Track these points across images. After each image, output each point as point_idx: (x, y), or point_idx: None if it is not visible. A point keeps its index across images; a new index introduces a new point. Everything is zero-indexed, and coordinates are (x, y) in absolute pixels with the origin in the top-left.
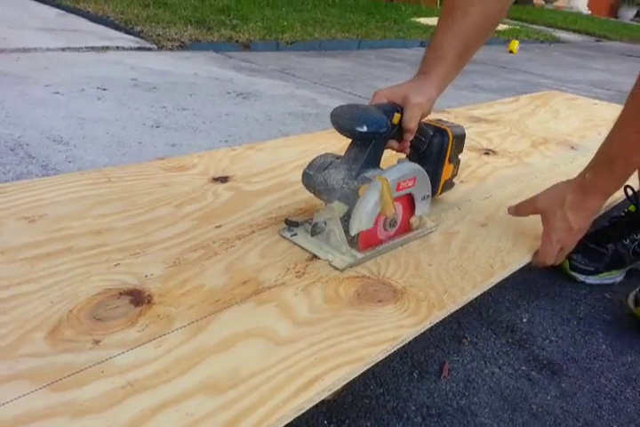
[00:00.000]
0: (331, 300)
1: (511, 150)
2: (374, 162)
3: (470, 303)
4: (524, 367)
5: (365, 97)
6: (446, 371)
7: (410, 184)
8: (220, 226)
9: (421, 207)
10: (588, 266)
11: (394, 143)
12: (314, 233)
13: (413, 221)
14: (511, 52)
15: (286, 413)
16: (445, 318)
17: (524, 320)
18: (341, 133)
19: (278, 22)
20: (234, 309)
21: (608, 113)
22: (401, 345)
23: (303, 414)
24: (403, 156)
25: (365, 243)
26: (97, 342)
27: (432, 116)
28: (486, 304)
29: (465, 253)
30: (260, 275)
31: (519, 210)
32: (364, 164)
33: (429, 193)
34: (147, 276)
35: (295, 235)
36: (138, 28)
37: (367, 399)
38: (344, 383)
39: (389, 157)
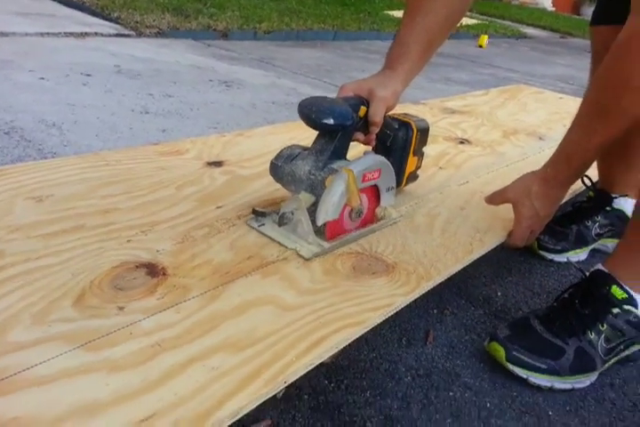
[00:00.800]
0: (329, 272)
1: (484, 140)
2: (341, 153)
3: (450, 279)
4: None
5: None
6: (431, 338)
7: (375, 176)
8: (220, 206)
9: (386, 198)
10: (556, 245)
11: (360, 136)
12: (281, 223)
13: (378, 211)
14: (480, 46)
15: (299, 367)
16: (428, 292)
17: (499, 294)
18: (308, 125)
19: (255, 11)
20: (242, 280)
21: (573, 106)
22: (395, 311)
23: (305, 375)
24: (369, 148)
25: (332, 233)
26: (121, 308)
27: (409, 108)
28: (464, 280)
29: (446, 232)
30: (263, 251)
31: (492, 200)
32: (330, 155)
33: (394, 184)
34: (158, 251)
35: (263, 225)
36: (115, 15)
37: (362, 363)
38: (347, 343)
39: (356, 149)
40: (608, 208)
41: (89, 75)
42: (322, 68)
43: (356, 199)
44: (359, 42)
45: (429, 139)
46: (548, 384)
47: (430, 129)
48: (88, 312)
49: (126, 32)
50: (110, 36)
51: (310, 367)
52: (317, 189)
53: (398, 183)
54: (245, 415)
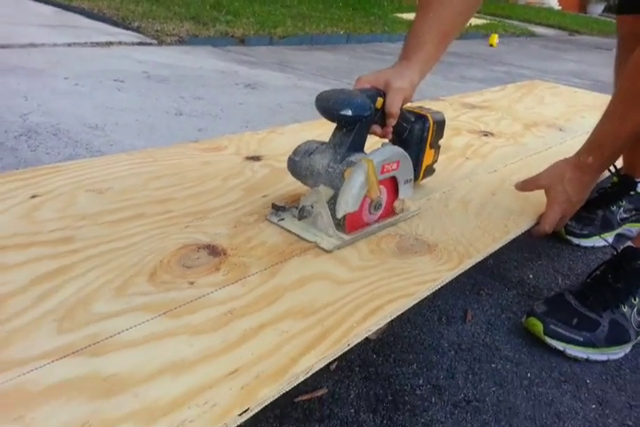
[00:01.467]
0: (376, 251)
1: (506, 132)
2: (359, 146)
3: (483, 263)
4: None
5: None
6: (470, 316)
7: (394, 167)
8: (265, 195)
9: (405, 191)
10: (582, 230)
11: (377, 128)
12: (301, 217)
13: (397, 204)
14: (491, 45)
15: (360, 331)
16: (464, 275)
17: (531, 277)
18: (326, 117)
19: (269, 18)
20: (296, 259)
21: (588, 100)
22: (441, 285)
23: (355, 349)
24: (386, 141)
25: (352, 226)
26: (191, 283)
27: (429, 104)
28: (497, 265)
29: (481, 216)
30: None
31: (525, 186)
32: (348, 148)
33: (412, 177)
34: (216, 234)
35: (282, 219)
36: (135, 24)
37: (406, 339)
38: (399, 313)
39: (373, 143)
40: (632, 193)
41: (121, 81)
42: (340, 70)
43: (375, 190)
44: (372, 44)
45: (454, 132)
46: (585, 356)
47: (453, 123)
48: (162, 287)
49: (148, 40)
50: (134, 44)
51: (369, 333)
52: (336, 182)
53: (415, 177)
54: (302, 384)
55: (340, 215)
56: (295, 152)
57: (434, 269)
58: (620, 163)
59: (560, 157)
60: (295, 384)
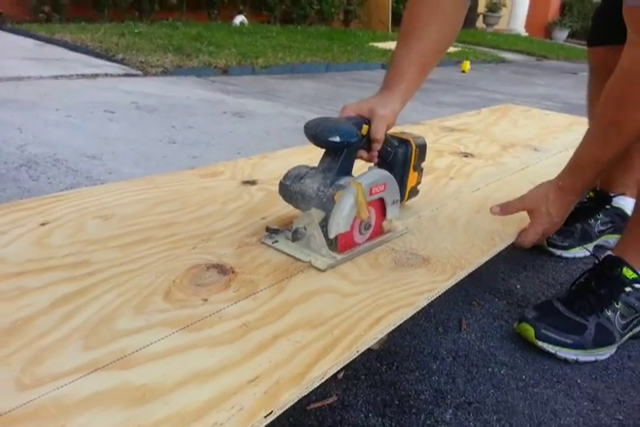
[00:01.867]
0: (375, 266)
1: (485, 153)
2: (347, 170)
3: (473, 276)
4: None
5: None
6: (465, 325)
7: (381, 189)
8: (264, 217)
9: (392, 211)
10: (563, 242)
11: (363, 153)
12: (295, 238)
13: (385, 224)
14: (463, 71)
15: (367, 339)
16: (456, 287)
17: (518, 287)
18: (315, 144)
19: (250, 48)
20: (301, 275)
21: (559, 121)
22: (437, 295)
23: (359, 359)
24: (372, 165)
25: (343, 245)
26: (205, 299)
27: (410, 128)
28: (486, 277)
29: (469, 231)
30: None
31: (507, 209)
32: (337, 172)
33: (398, 198)
34: (222, 254)
35: (277, 242)
36: (119, 56)
37: (406, 348)
38: (401, 322)
39: (360, 167)
40: (608, 206)
41: (111, 111)
42: (321, 97)
43: (364, 212)
44: (350, 72)
45: (436, 154)
46: (574, 357)
47: (435, 146)
48: (178, 304)
49: (134, 72)
50: (119, 75)
51: (375, 341)
52: (327, 205)
53: (401, 198)
54: (313, 393)
55: (332, 236)
56: (286, 177)
57: (430, 280)
58: None
59: (537, 176)
60: (312, 388)
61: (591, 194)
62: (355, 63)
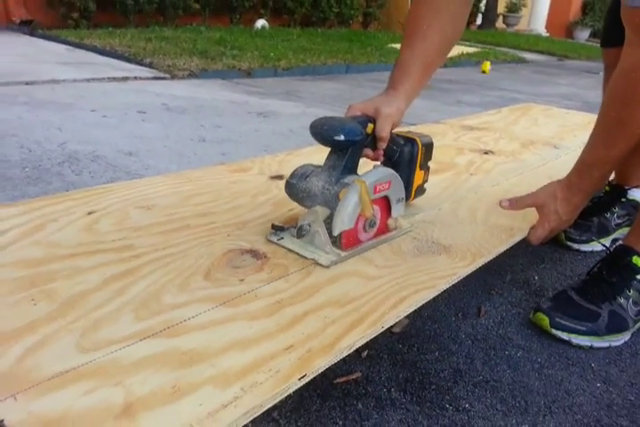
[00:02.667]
0: (397, 253)
1: (505, 150)
2: (352, 169)
3: (491, 267)
4: None
5: None
6: (483, 312)
7: (385, 187)
8: (291, 209)
9: (397, 209)
10: (581, 236)
11: (369, 152)
12: (299, 235)
13: (390, 222)
14: (484, 72)
15: (391, 316)
16: (474, 277)
17: (536, 278)
18: (320, 143)
19: (272, 51)
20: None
21: (579, 119)
22: (458, 279)
23: (381, 340)
24: (378, 164)
25: (348, 243)
26: (241, 280)
27: (431, 127)
28: (504, 268)
29: (488, 223)
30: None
31: (517, 204)
32: (342, 170)
33: (403, 196)
34: (255, 241)
35: (282, 239)
36: (148, 60)
37: (427, 332)
38: (424, 302)
39: (365, 165)
40: (623, 200)
41: (144, 112)
42: (342, 98)
43: (369, 209)
44: (370, 73)
45: (457, 151)
46: (588, 344)
47: (455, 143)
48: (217, 283)
49: (162, 75)
50: (149, 79)
51: (399, 318)
52: (332, 203)
53: (407, 197)
54: (338, 369)
55: (336, 233)
56: (292, 176)
57: (451, 266)
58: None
59: (556, 171)
60: (341, 357)
61: (607, 188)
62: (374, 64)
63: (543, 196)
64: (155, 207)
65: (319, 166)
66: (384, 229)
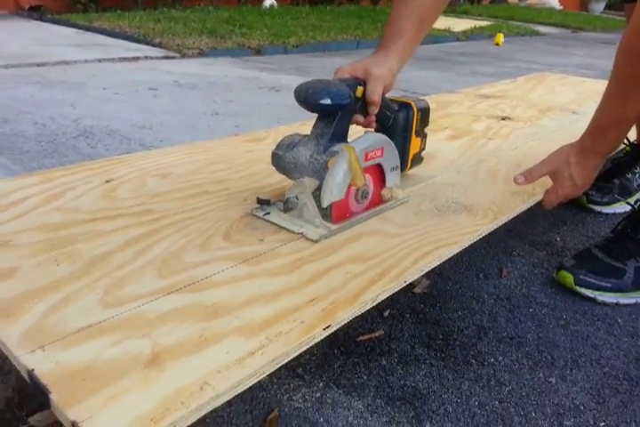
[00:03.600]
0: (417, 212)
1: (523, 116)
2: (341, 136)
3: (512, 229)
4: None
5: None
6: (505, 272)
7: (378, 154)
8: None
9: (392, 178)
10: (603, 198)
11: (359, 118)
12: (287, 209)
13: (385, 192)
14: (497, 44)
15: (413, 271)
16: (495, 239)
17: (558, 239)
18: (306, 108)
19: (281, 29)
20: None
21: (598, 87)
22: (480, 237)
23: (401, 299)
24: (370, 131)
25: (338, 215)
26: (261, 240)
27: (446, 96)
28: (525, 231)
29: (508, 183)
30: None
31: (531, 175)
32: (330, 138)
33: (398, 164)
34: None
35: (268, 213)
36: (157, 40)
37: (448, 292)
38: (446, 258)
39: (357, 133)
40: None
41: (155, 89)
42: None
43: (360, 178)
44: None
45: (473, 118)
46: (614, 300)
47: (471, 111)
48: (237, 243)
49: (172, 54)
50: (159, 58)
51: (422, 273)
52: (320, 173)
53: (403, 165)
54: (360, 328)
55: (325, 204)
56: (278, 146)
57: (472, 223)
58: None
59: (576, 136)
60: (365, 310)
61: (627, 148)
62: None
63: (556, 161)
64: (171, 175)
65: (307, 135)
66: (378, 200)
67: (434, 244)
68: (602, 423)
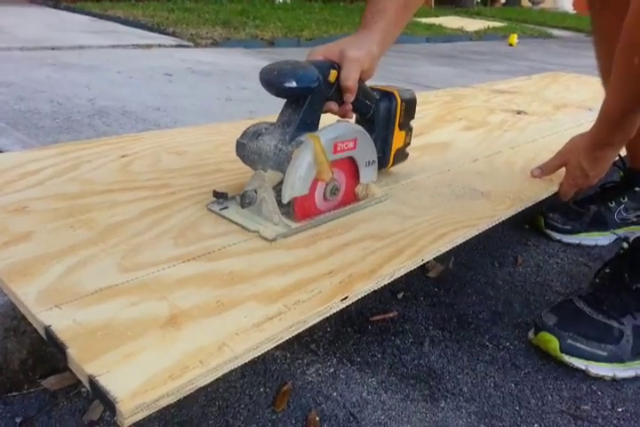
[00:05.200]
0: (434, 196)
1: (538, 111)
2: (310, 124)
3: (525, 221)
4: (580, 259)
5: (392, 78)
6: (520, 260)
7: (350, 146)
8: None
9: (367, 174)
10: (565, 225)
11: (333, 105)
12: (244, 204)
13: (359, 189)
14: (511, 44)
15: (431, 250)
16: (510, 229)
17: None
18: (270, 91)
19: (295, 22)
20: (361, 203)
21: None
22: (498, 222)
23: (415, 282)
24: (345, 120)
25: (302, 212)
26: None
27: (459, 91)
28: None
29: (525, 173)
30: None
31: (547, 168)
32: (298, 126)
33: (375, 159)
34: None
35: (226, 208)
36: (171, 30)
37: (463, 278)
38: (463, 240)
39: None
40: (637, 188)
41: (169, 74)
42: None
43: (326, 171)
44: (394, 45)
45: (488, 111)
46: (610, 373)
47: (486, 104)
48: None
49: (185, 43)
50: (172, 46)
51: (439, 253)
52: (284, 165)
53: (385, 161)
54: (373, 308)
55: (285, 200)
56: (243, 135)
57: (490, 208)
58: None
59: None
60: (382, 284)
61: (621, 173)
62: (399, 36)
63: (568, 152)
64: (186, 153)
65: (274, 124)
66: (351, 198)
67: (451, 226)
68: (620, 409)
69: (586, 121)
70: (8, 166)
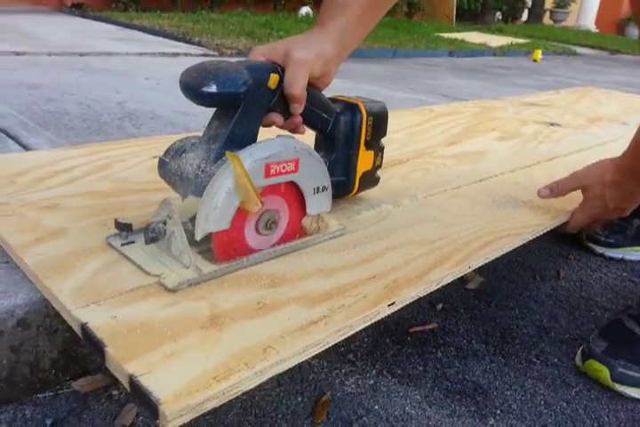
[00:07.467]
0: (475, 203)
1: (572, 124)
2: (243, 140)
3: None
4: (625, 274)
5: (419, 90)
6: (563, 274)
7: (289, 168)
8: None
9: (316, 203)
10: (608, 238)
11: (276, 117)
12: (148, 240)
13: (306, 222)
14: (535, 60)
15: (478, 257)
16: (550, 243)
17: None
18: (188, 97)
19: None
20: (397, 209)
21: None
22: (544, 231)
23: (454, 294)
24: (287, 134)
25: (224, 251)
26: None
27: (488, 103)
28: (582, 237)
29: None
30: (408, 191)
31: (559, 189)
32: (225, 142)
33: (326, 184)
34: None
35: (132, 243)
36: (196, 39)
37: (504, 291)
38: (510, 249)
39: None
40: None
41: None
42: (393, 77)
43: (253, 200)
44: (417, 58)
45: (521, 123)
46: None
47: (518, 116)
48: None
49: (211, 53)
50: (198, 55)
51: (486, 261)
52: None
53: (348, 187)
54: (412, 320)
55: (198, 236)
56: (166, 151)
57: (535, 217)
58: None
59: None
60: (430, 291)
61: None
62: (422, 50)
63: (590, 176)
64: None
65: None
66: (297, 232)
67: (495, 233)
68: None
69: (621, 135)
70: (40, 164)
